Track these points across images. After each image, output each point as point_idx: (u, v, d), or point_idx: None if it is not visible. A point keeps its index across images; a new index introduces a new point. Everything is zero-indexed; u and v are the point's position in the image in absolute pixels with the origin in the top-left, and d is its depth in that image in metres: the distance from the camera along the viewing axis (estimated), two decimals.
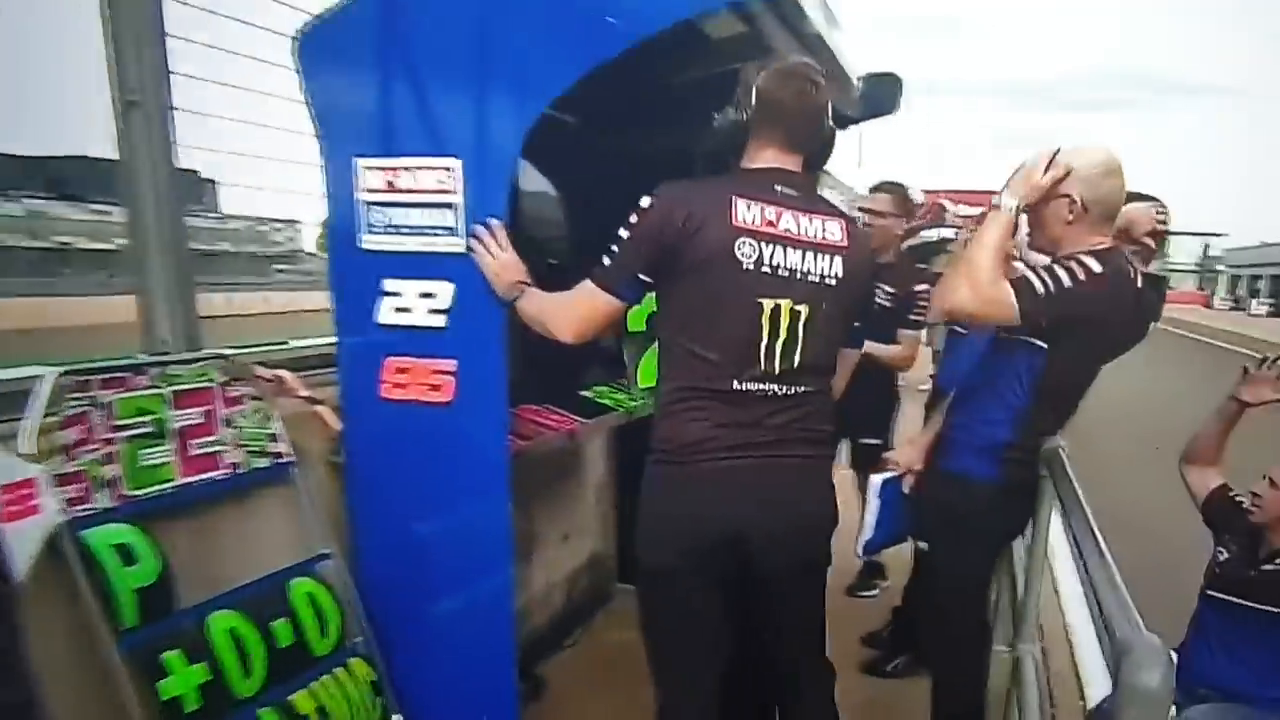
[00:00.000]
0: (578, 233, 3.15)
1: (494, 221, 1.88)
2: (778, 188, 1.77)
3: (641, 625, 1.95)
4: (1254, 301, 51.65)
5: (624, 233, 1.75)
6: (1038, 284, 1.94)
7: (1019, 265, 2.26)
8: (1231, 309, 52.81)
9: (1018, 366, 2.10)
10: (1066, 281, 1.94)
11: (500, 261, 1.87)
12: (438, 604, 2.11)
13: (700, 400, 1.77)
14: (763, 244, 1.72)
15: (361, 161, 1.93)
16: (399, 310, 1.96)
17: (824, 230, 1.79)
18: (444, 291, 1.93)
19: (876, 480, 2.55)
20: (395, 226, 1.94)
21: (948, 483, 2.25)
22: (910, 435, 2.57)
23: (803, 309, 1.76)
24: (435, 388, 1.96)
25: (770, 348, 1.75)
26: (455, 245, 1.90)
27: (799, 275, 1.76)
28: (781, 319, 1.75)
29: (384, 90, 1.91)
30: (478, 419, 1.97)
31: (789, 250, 1.75)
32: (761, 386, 1.77)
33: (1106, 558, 1.40)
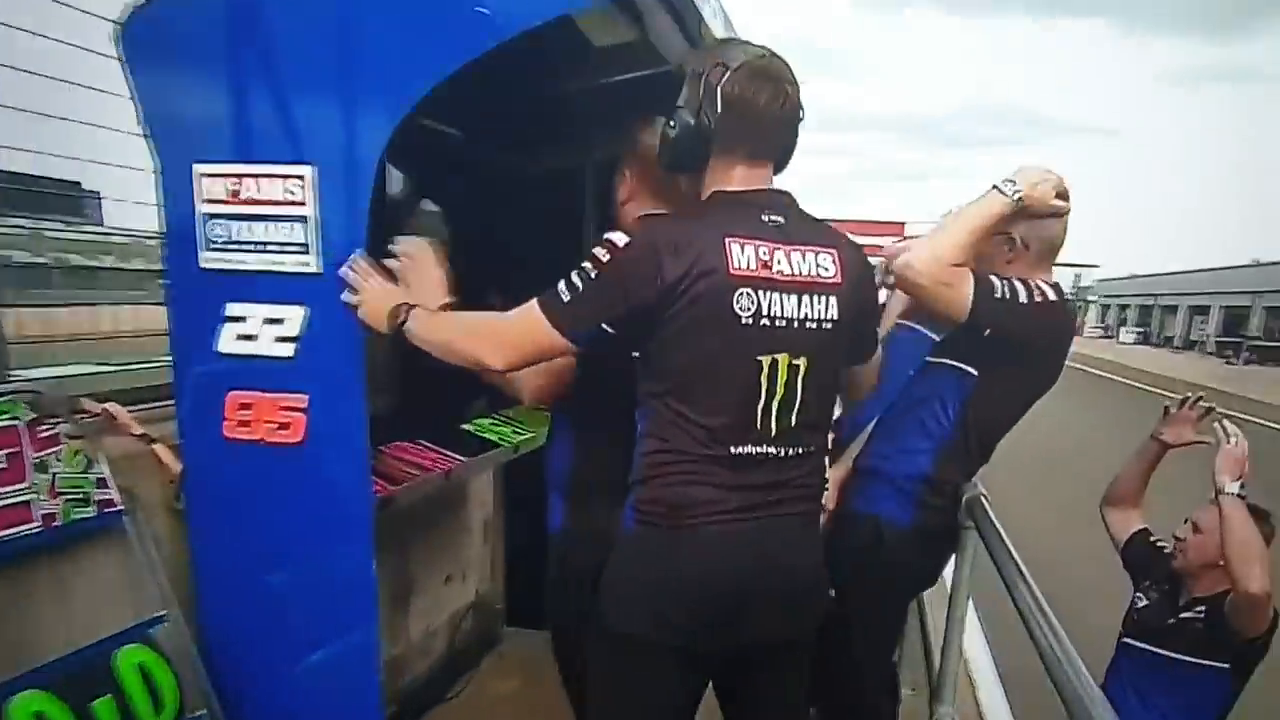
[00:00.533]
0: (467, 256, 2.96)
1: (353, 256, 1.67)
2: (765, 218, 1.56)
3: (592, 694, 1.78)
4: (1122, 330, 54.94)
5: (591, 269, 1.51)
6: (998, 286, 1.85)
7: None
8: (1101, 336, 56.04)
9: (943, 392, 2.02)
10: (1023, 297, 1.86)
11: (370, 293, 1.65)
12: (294, 667, 1.88)
13: (694, 465, 1.56)
14: (760, 293, 1.51)
15: (199, 168, 1.70)
16: (242, 338, 1.74)
17: (817, 266, 1.58)
18: (293, 317, 1.71)
19: None
20: (239, 243, 1.71)
21: (859, 526, 2.13)
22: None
23: (801, 362, 1.56)
24: (284, 426, 1.74)
25: (768, 408, 1.56)
26: (306, 264, 1.69)
27: (795, 324, 1.55)
28: (780, 375, 1.55)
29: (224, 86, 1.68)
30: (335, 461, 1.76)
31: (785, 297, 1.54)
32: (760, 449, 1.58)
33: (1061, 636, 1.30)
